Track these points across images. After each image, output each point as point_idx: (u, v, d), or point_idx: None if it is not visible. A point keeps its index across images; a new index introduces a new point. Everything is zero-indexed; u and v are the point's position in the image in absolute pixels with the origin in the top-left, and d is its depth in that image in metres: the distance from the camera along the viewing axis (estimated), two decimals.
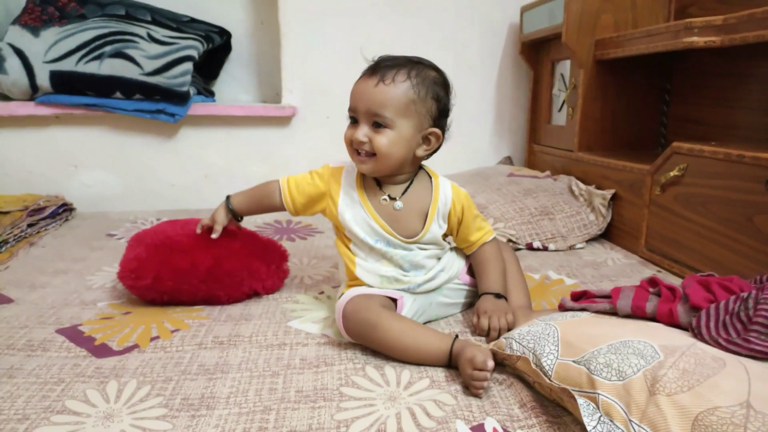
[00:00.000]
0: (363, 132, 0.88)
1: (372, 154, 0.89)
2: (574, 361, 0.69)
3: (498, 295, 0.95)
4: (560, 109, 1.85)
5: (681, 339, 0.69)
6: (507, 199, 1.56)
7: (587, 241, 1.50)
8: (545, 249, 1.45)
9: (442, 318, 1.02)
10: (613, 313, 0.80)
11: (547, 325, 0.80)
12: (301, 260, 1.34)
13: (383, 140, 0.87)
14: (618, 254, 1.41)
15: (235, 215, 1.06)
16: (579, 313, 0.83)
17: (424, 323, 0.98)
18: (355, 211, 0.94)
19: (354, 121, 0.91)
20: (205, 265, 1.01)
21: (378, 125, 0.87)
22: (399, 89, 0.86)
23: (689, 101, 1.63)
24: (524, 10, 1.92)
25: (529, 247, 1.45)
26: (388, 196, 0.94)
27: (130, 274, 1.01)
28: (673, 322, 0.74)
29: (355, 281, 0.96)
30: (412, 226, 0.95)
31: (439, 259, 1.00)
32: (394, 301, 0.93)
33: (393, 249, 0.94)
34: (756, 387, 0.57)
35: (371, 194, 0.95)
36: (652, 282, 0.82)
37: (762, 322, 0.65)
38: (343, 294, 0.94)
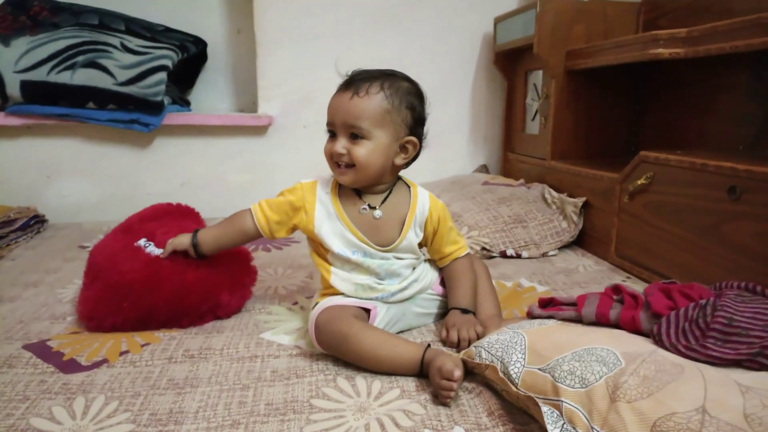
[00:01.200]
0: (341, 144, 0.90)
1: (351, 165, 0.91)
2: (539, 369, 0.70)
3: (465, 311, 0.96)
4: (534, 118, 1.87)
5: (643, 346, 0.70)
6: (481, 207, 1.58)
7: (560, 248, 1.52)
8: (519, 256, 1.47)
9: (415, 327, 1.02)
10: (579, 320, 0.81)
11: (515, 333, 0.81)
12: (276, 270, 1.34)
13: (361, 151, 0.89)
14: (589, 261, 1.43)
15: (197, 250, 1.01)
16: (546, 321, 0.84)
17: (398, 332, 0.99)
18: (332, 223, 0.95)
19: (332, 135, 0.92)
20: (163, 310, 0.97)
21: (355, 137, 0.90)
22: (373, 101, 0.89)
23: (659, 110, 1.67)
24: (498, 21, 1.95)
25: (503, 255, 1.47)
26: (368, 205, 0.95)
27: (88, 320, 0.98)
28: (635, 329, 0.75)
29: (329, 289, 0.97)
30: (390, 235, 0.96)
31: (414, 268, 1.00)
32: (368, 312, 0.94)
33: (370, 259, 0.95)
34: (711, 392, 0.59)
35: (349, 205, 0.96)
36: (616, 289, 0.83)
37: (719, 329, 0.66)
38: (317, 304, 0.95)
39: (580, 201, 1.52)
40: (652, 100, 1.70)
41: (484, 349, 0.80)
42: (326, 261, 0.97)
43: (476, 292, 1.01)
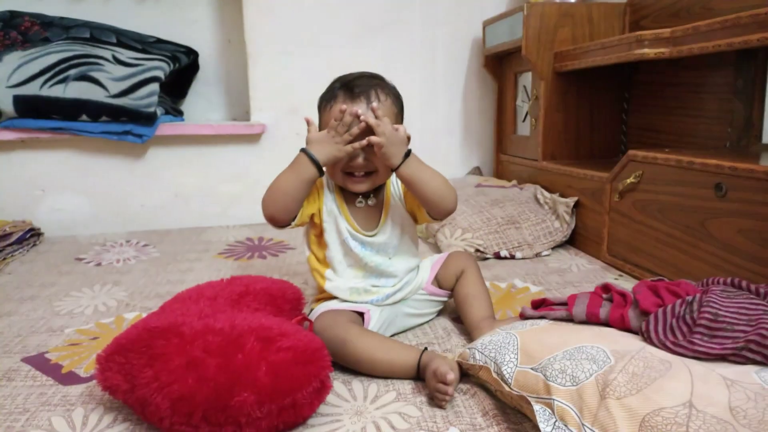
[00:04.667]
0: (362, 156, 0.92)
1: (369, 173, 0.94)
2: (531, 369, 0.71)
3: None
4: (524, 120, 1.89)
5: (632, 343, 0.72)
6: (475, 209, 1.59)
7: (553, 248, 1.54)
8: (512, 257, 1.48)
9: (409, 329, 1.04)
10: (570, 319, 0.82)
11: (507, 334, 0.82)
12: (272, 276, 1.35)
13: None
14: (582, 260, 1.45)
15: (320, 168, 0.91)
16: (538, 322, 0.85)
17: (392, 335, 1.00)
18: (333, 215, 0.98)
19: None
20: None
21: None
22: (386, 107, 0.93)
23: (647, 110, 1.69)
24: (486, 24, 1.97)
25: (497, 256, 1.48)
26: (362, 197, 0.98)
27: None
28: (625, 327, 0.77)
29: (323, 294, 0.99)
30: (376, 219, 1.00)
31: (411, 270, 1.02)
32: (361, 316, 0.95)
33: (367, 250, 0.97)
34: (698, 387, 0.60)
35: (347, 200, 0.99)
36: (606, 288, 0.85)
37: (705, 324, 0.68)
38: (311, 310, 0.96)
39: (571, 201, 1.54)
40: (639, 101, 1.72)
41: (478, 351, 0.81)
42: (323, 262, 0.99)
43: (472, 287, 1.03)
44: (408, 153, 0.91)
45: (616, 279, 1.30)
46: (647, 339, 0.72)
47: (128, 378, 0.71)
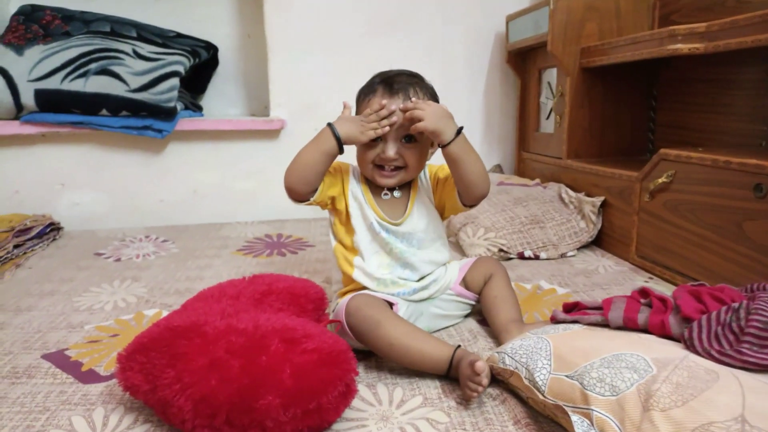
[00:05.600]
0: (394, 149, 0.92)
1: (399, 168, 0.94)
2: (567, 376, 0.68)
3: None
4: (548, 117, 1.85)
5: (674, 351, 0.68)
6: (497, 208, 1.56)
7: (578, 249, 1.50)
8: (537, 258, 1.45)
9: (434, 331, 1.01)
10: (605, 325, 0.79)
11: (539, 338, 0.79)
12: (292, 274, 1.33)
13: (415, 154, 0.94)
14: (609, 261, 1.41)
15: (341, 144, 0.90)
16: (571, 326, 0.82)
17: None
18: (360, 205, 0.97)
19: (375, 139, 0.92)
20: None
21: (409, 140, 0.93)
22: None
23: (676, 108, 1.64)
24: (509, 19, 1.92)
25: (521, 257, 1.45)
26: (388, 189, 0.98)
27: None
28: (665, 334, 0.73)
29: (350, 286, 0.97)
30: (403, 208, 0.99)
31: (438, 266, 1.01)
32: (390, 307, 0.93)
33: (393, 237, 0.96)
34: (750, 400, 0.56)
35: (373, 191, 0.99)
36: (643, 293, 0.81)
37: (754, 333, 0.64)
38: (337, 305, 0.94)
39: (598, 200, 1.50)
40: (667, 98, 1.67)
41: (508, 355, 0.78)
42: (350, 249, 0.97)
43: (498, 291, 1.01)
44: (460, 130, 0.90)
45: (646, 282, 1.26)
46: (690, 347, 0.69)
47: (149, 378, 0.69)
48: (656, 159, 1.27)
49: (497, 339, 0.94)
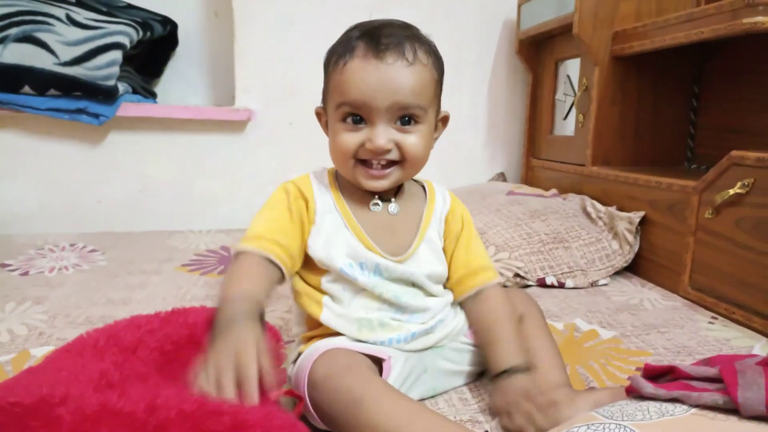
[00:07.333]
0: (386, 135, 0.63)
1: (395, 162, 0.66)
2: None
3: (525, 369, 0.64)
4: (566, 117, 1.57)
5: None
6: (510, 222, 1.26)
7: (611, 276, 1.20)
8: (561, 286, 1.15)
9: (440, 393, 0.70)
10: (734, 409, 0.49)
11: (618, 426, 0.49)
12: None
13: (416, 140, 0.65)
14: (654, 294, 1.11)
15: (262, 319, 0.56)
16: (668, 407, 0.52)
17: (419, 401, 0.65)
18: (334, 228, 0.66)
19: (358, 122, 0.63)
20: None
21: (407, 122, 0.64)
22: (427, 69, 0.65)
23: (724, 106, 1.37)
24: (522, 2, 1.65)
25: (542, 284, 1.15)
26: (380, 198, 0.69)
27: None
28: None
29: (319, 330, 0.66)
30: (407, 236, 0.70)
31: (446, 304, 0.70)
32: (378, 365, 0.62)
33: (384, 281, 0.65)
34: None
35: (354, 201, 0.69)
36: None
37: None
38: (300, 354, 0.63)
39: (636, 216, 1.21)
40: (713, 94, 1.40)
41: None
42: (317, 288, 0.66)
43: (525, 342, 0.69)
44: None
45: (710, 323, 0.96)
46: None
47: None
48: (725, 164, 0.99)
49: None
